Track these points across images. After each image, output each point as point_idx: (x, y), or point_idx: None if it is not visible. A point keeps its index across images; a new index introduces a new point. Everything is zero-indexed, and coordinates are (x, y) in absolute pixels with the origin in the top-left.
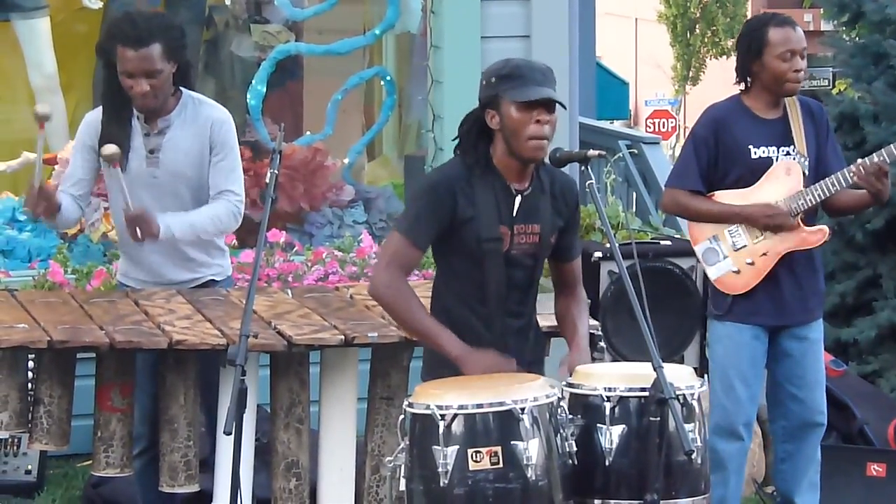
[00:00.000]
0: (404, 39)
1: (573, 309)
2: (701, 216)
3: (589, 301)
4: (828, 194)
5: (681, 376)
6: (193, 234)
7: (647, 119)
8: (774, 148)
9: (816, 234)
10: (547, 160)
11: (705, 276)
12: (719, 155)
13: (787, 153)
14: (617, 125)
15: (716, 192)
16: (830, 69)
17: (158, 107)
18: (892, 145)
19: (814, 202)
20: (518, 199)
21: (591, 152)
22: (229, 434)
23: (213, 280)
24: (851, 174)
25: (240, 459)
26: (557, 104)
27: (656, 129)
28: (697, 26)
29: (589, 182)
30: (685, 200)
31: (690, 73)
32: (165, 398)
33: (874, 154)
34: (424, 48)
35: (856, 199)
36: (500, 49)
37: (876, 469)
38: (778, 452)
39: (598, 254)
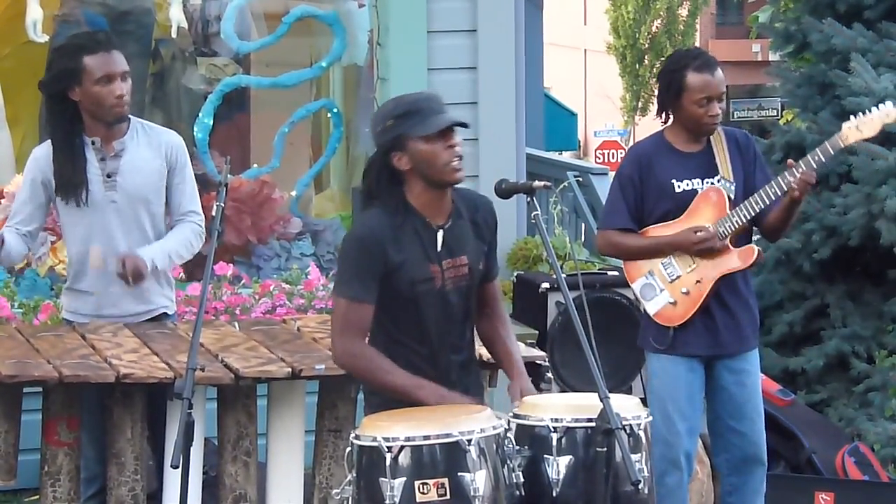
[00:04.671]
0: (351, 71)
1: (500, 331)
2: (634, 253)
3: (536, 332)
4: (754, 212)
5: (627, 407)
6: (171, 263)
7: (596, 150)
8: (699, 180)
9: (747, 254)
10: (494, 190)
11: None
12: (645, 191)
13: (712, 183)
14: (566, 156)
15: (647, 229)
16: (779, 99)
17: (127, 116)
18: (817, 150)
19: (741, 222)
20: (440, 234)
21: (537, 183)
22: (176, 467)
23: (165, 313)
24: (773, 190)
25: (187, 493)
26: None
27: (605, 160)
28: (646, 57)
29: (535, 213)
30: (617, 239)
31: (639, 104)
32: (112, 432)
33: (803, 162)
34: (371, 80)
35: (783, 208)
36: (446, 81)
37: (824, 498)
38: (723, 485)
39: (545, 285)
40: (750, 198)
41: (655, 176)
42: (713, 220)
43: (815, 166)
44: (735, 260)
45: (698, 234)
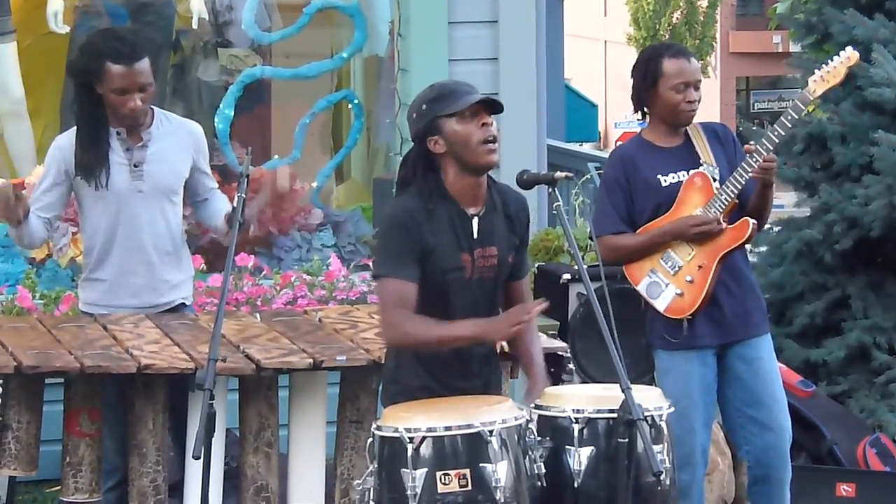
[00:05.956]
0: (372, 63)
1: (525, 332)
2: (635, 250)
3: (558, 323)
4: (740, 184)
5: (649, 398)
6: None
7: (616, 141)
8: (684, 172)
9: (742, 228)
10: (515, 182)
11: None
12: (633, 191)
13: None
14: (586, 147)
15: (641, 229)
16: (799, 90)
17: (144, 120)
18: (789, 109)
19: (730, 198)
20: (475, 221)
21: (559, 174)
22: (198, 458)
23: (183, 304)
24: (754, 162)
25: (209, 484)
26: (497, 108)
27: None
28: None
29: (556, 204)
30: (615, 242)
31: None
32: (134, 423)
33: (761, 146)
34: (392, 71)
35: (757, 194)
36: (467, 72)
37: (845, 489)
38: (749, 477)
39: (566, 276)
40: (732, 174)
41: (641, 174)
42: (702, 203)
43: (789, 126)
44: (731, 237)
45: (696, 218)
